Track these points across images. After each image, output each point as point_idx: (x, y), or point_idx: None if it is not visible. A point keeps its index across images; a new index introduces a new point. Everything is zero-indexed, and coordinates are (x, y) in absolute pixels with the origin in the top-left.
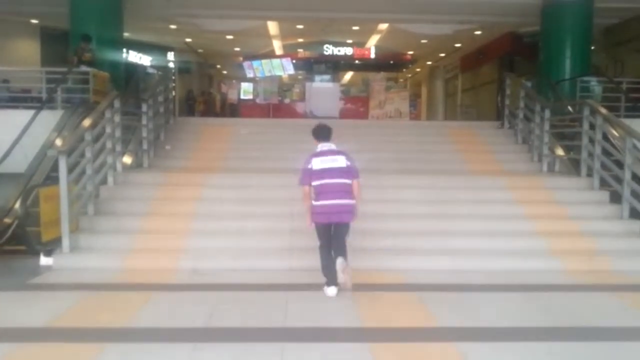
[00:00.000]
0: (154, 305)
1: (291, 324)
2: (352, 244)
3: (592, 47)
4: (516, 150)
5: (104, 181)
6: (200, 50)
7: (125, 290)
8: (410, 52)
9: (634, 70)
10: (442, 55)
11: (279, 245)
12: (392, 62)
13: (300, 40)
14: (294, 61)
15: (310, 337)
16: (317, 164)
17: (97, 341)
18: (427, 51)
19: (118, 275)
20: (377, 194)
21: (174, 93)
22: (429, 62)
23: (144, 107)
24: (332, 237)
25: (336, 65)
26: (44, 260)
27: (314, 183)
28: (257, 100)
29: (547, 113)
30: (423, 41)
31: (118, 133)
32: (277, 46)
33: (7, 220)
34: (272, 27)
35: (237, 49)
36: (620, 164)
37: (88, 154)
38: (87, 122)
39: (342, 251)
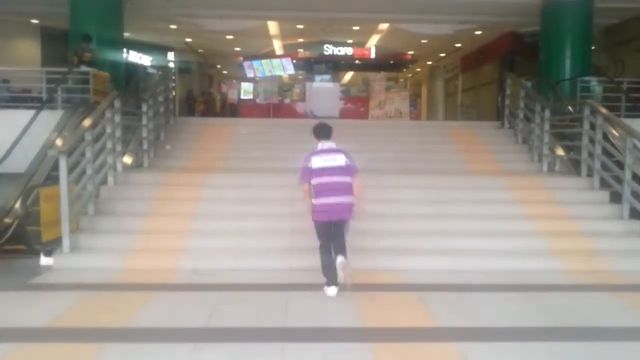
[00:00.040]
0: (154, 305)
1: (291, 324)
2: (352, 244)
3: (593, 47)
4: (516, 150)
5: (104, 181)
6: (200, 50)
7: (125, 290)
8: (411, 52)
9: (634, 70)
10: (443, 55)
11: (279, 245)
12: (392, 62)
13: (301, 40)
14: (294, 61)
15: (311, 337)
16: (316, 162)
17: (97, 341)
18: (427, 51)
19: (118, 275)
20: (377, 194)
21: (174, 93)
22: (429, 62)
23: (144, 107)
24: (332, 235)
25: (336, 65)
26: (44, 260)
27: (314, 182)
28: (257, 100)
29: (548, 113)
30: (423, 41)
31: (118, 133)
32: (278, 46)
33: (7, 220)
34: (272, 27)
35: (237, 49)
36: (620, 164)
37: (88, 154)
38: (87, 122)
39: (342, 249)
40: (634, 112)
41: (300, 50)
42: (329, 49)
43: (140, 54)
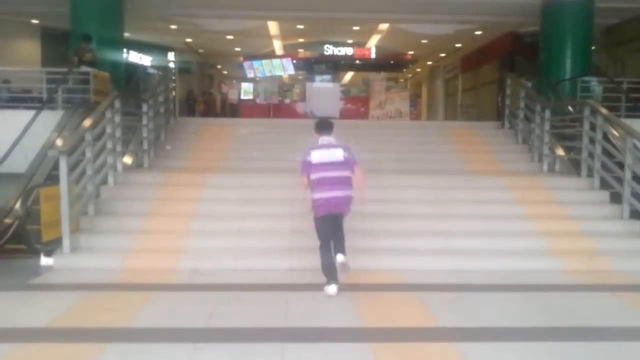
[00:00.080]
0: (154, 305)
1: (291, 324)
2: (352, 244)
3: (593, 47)
4: (516, 150)
5: (104, 181)
6: (200, 51)
7: (125, 290)
8: (411, 52)
9: (635, 70)
10: (443, 55)
11: (279, 245)
12: (392, 62)
13: (301, 40)
14: (294, 61)
15: (311, 337)
16: (315, 157)
17: (97, 341)
18: (427, 51)
19: (118, 275)
20: (377, 194)
21: (174, 93)
22: (430, 62)
23: (145, 107)
24: (332, 230)
25: (336, 66)
26: (45, 261)
27: (313, 176)
28: (258, 101)
29: (548, 113)
30: (423, 41)
31: (118, 133)
32: (278, 46)
33: (7, 220)
34: (273, 27)
35: (237, 49)
36: (620, 164)
37: (88, 154)
38: (87, 122)
39: (341, 246)
40: (634, 112)
41: (301, 50)
42: (329, 49)
43: (140, 54)
